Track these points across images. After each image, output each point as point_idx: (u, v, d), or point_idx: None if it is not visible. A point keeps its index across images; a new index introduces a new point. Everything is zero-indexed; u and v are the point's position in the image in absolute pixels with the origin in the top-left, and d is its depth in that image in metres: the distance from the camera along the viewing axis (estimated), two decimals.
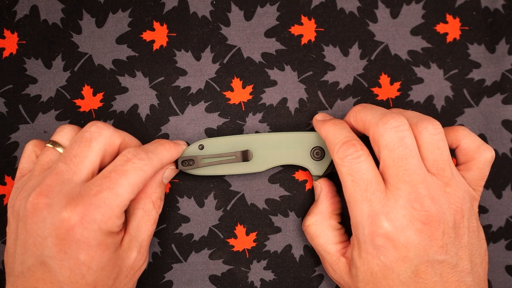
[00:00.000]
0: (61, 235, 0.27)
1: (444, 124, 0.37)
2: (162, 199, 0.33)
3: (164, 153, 0.32)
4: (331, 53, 0.38)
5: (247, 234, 0.37)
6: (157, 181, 0.33)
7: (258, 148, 0.35)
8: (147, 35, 0.37)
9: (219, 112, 0.37)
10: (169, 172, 0.34)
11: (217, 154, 0.35)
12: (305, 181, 0.37)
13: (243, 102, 0.37)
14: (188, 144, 0.35)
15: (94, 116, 0.37)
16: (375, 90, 0.38)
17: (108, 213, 0.28)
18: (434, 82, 0.38)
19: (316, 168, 0.35)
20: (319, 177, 0.35)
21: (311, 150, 0.35)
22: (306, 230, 0.35)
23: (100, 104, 0.37)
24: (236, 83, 0.37)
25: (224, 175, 0.37)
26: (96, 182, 0.29)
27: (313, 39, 0.38)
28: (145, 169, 0.30)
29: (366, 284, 0.30)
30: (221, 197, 0.37)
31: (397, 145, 0.29)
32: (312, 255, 0.37)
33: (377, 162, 0.31)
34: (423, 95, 0.38)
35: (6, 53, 0.37)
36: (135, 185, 0.29)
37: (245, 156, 0.34)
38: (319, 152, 0.35)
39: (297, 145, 0.35)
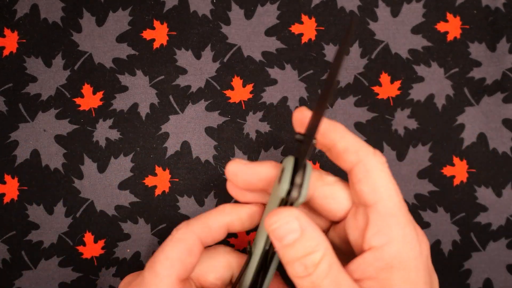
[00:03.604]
0: None
1: (445, 123, 0.37)
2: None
3: (211, 214, 0.27)
4: (331, 52, 0.38)
5: (248, 233, 0.37)
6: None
7: None
8: (147, 34, 0.37)
9: (219, 111, 0.37)
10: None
11: None
12: None
13: (243, 101, 0.37)
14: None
15: (94, 115, 0.37)
16: (376, 88, 0.38)
17: None
18: (434, 81, 0.38)
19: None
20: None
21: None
22: None
23: (100, 103, 0.37)
24: (237, 81, 0.37)
25: (223, 174, 0.37)
26: None
27: (313, 38, 0.38)
28: (183, 238, 0.26)
29: None
30: (221, 196, 0.37)
31: None
32: None
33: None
34: (424, 94, 0.38)
35: (6, 52, 0.37)
36: (175, 259, 0.25)
37: None
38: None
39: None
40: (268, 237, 0.25)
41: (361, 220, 0.25)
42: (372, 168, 0.24)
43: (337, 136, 0.25)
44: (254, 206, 0.27)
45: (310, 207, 0.28)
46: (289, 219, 0.23)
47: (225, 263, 0.28)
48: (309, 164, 0.24)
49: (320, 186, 0.26)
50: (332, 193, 0.26)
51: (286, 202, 0.24)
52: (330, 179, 0.27)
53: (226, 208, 0.27)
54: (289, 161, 0.24)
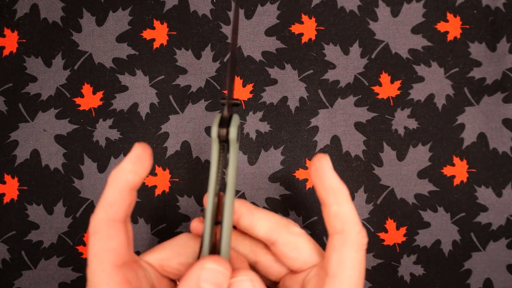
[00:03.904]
0: None
1: (445, 123, 0.37)
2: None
3: (107, 191, 0.26)
4: (331, 52, 0.38)
5: None
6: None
7: None
8: (147, 34, 0.37)
9: (219, 111, 0.37)
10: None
11: None
12: (306, 180, 0.37)
13: (243, 100, 0.37)
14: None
15: (94, 115, 0.37)
16: (376, 88, 0.38)
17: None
18: (434, 81, 0.38)
19: None
20: None
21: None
22: None
23: (100, 103, 0.37)
24: (236, 81, 0.37)
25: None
26: None
27: (313, 38, 0.38)
28: (95, 229, 0.25)
29: None
30: None
31: None
32: None
33: None
34: (424, 94, 0.38)
35: (6, 52, 0.37)
36: (100, 250, 0.25)
37: None
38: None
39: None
40: (215, 185, 0.26)
41: (319, 285, 0.26)
42: (349, 244, 0.25)
43: (336, 200, 0.26)
44: (135, 149, 0.26)
45: (272, 251, 0.29)
46: (244, 278, 0.25)
47: (186, 248, 0.29)
48: (236, 115, 0.26)
49: (285, 233, 0.28)
50: (295, 242, 0.28)
51: (221, 142, 0.25)
52: (296, 229, 0.28)
53: (113, 175, 0.26)
54: (217, 116, 0.26)
